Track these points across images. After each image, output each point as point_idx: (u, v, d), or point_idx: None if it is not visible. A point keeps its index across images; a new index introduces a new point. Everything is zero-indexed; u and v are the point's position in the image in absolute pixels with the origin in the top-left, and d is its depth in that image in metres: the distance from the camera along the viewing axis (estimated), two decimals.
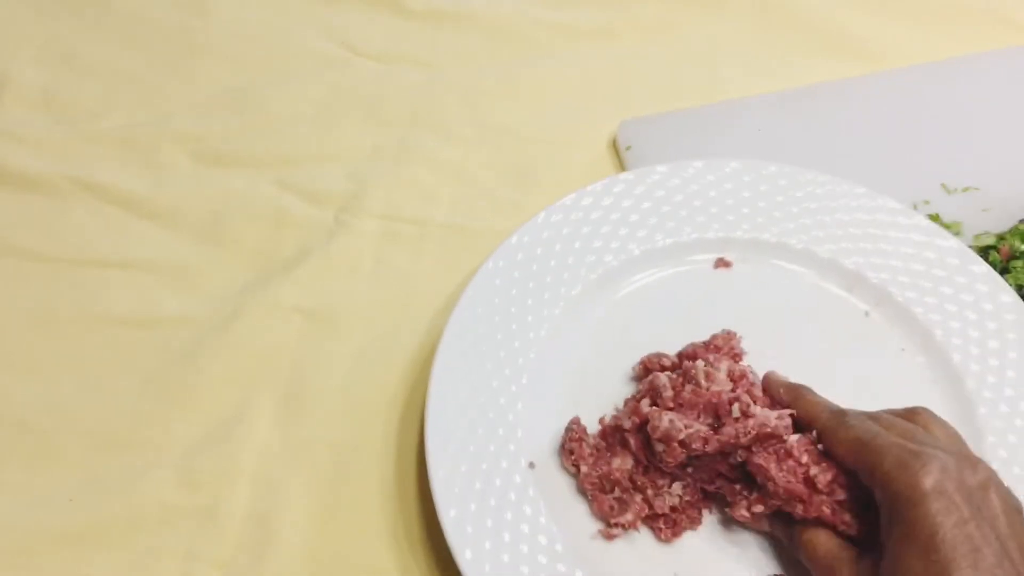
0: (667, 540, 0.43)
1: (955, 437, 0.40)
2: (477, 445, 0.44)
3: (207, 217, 0.59)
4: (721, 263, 0.53)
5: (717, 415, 0.42)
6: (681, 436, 0.41)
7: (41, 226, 0.58)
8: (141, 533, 0.46)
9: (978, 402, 0.47)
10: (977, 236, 0.55)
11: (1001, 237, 0.55)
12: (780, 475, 0.40)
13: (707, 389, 0.43)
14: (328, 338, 0.53)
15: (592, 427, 0.46)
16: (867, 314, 0.51)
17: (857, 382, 0.47)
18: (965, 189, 0.58)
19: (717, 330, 0.48)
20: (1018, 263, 0.53)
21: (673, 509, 0.43)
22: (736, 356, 0.47)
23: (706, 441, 0.41)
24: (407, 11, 0.71)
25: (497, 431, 0.45)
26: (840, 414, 0.41)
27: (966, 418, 0.46)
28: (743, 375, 0.44)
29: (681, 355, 0.48)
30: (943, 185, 0.59)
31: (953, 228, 0.56)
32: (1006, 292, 0.50)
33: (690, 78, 0.67)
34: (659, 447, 0.42)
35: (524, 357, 0.48)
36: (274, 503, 0.47)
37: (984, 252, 0.54)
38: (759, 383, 0.45)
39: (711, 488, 0.43)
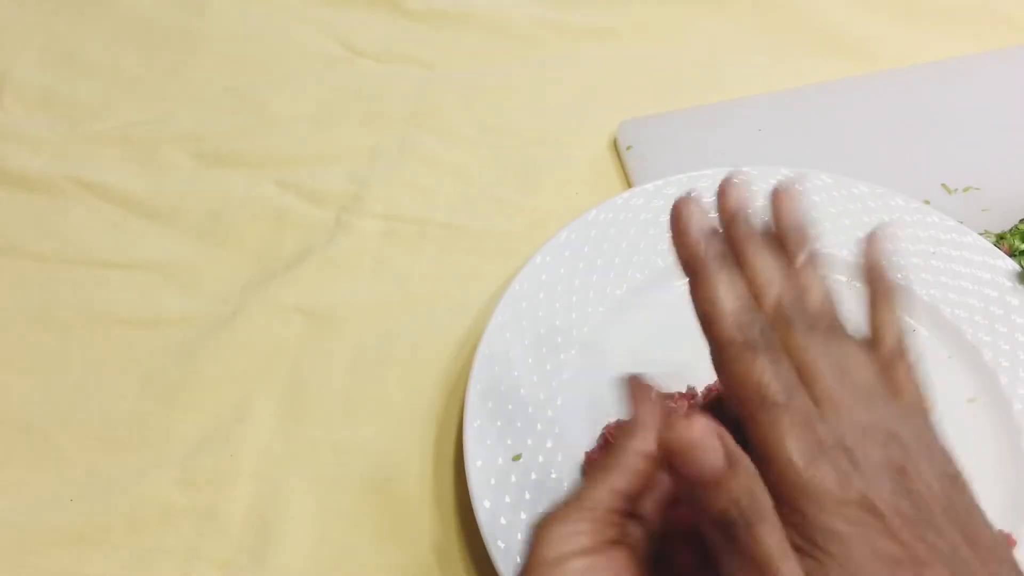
0: None
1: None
2: (515, 439, 0.45)
3: (207, 217, 0.59)
4: None
5: None
6: None
7: (41, 226, 0.58)
8: (141, 533, 0.46)
9: (998, 371, 0.48)
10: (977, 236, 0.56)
11: (1001, 237, 0.55)
12: None
13: None
14: (328, 338, 0.53)
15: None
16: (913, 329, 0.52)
17: None
18: (965, 189, 0.58)
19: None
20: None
21: None
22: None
23: None
24: (407, 11, 0.71)
25: (535, 426, 0.45)
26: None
27: (989, 387, 0.48)
28: None
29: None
30: (943, 185, 0.59)
31: None
32: (1000, 258, 0.51)
33: (690, 78, 0.67)
34: None
35: (565, 353, 0.48)
36: (274, 503, 0.47)
37: None
38: None
39: None
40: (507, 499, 0.42)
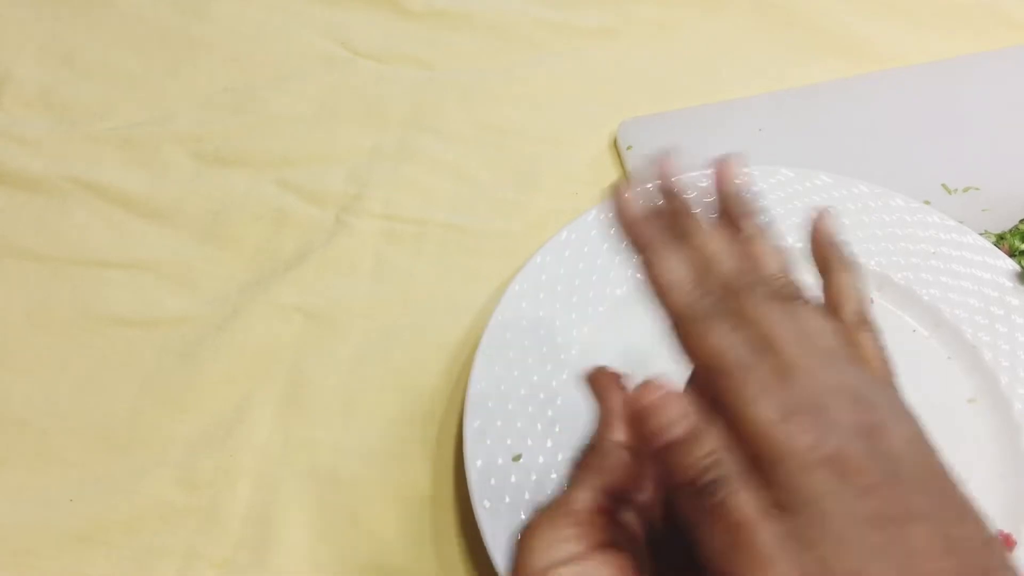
0: None
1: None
2: (515, 439, 0.45)
3: (207, 217, 0.59)
4: None
5: None
6: None
7: (41, 226, 0.58)
8: (141, 533, 0.46)
9: (998, 371, 0.48)
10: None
11: (1001, 237, 0.55)
12: None
13: None
14: (328, 338, 0.53)
15: None
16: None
17: None
18: (965, 189, 0.58)
19: None
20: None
21: None
22: None
23: None
24: (407, 11, 0.71)
25: (536, 426, 0.45)
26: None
27: (989, 387, 0.48)
28: None
29: None
30: (943, 185, 0.59)
31: None
32: (1000, 258, 0.51)
33: (690, 78, 0.67)
34: None
35: (565, 353, 0.48)
36: (274, 503, 0.47)
37: None
38: None
39: None
40: (507, 499, 0.42)
